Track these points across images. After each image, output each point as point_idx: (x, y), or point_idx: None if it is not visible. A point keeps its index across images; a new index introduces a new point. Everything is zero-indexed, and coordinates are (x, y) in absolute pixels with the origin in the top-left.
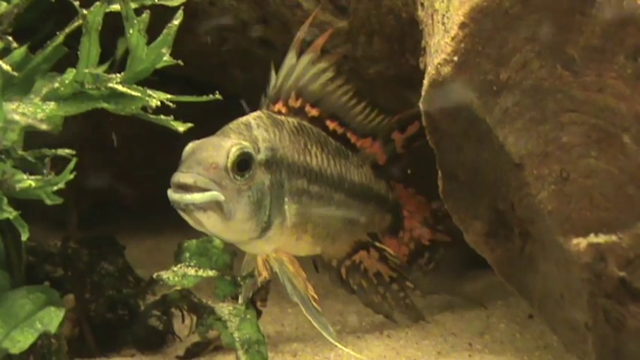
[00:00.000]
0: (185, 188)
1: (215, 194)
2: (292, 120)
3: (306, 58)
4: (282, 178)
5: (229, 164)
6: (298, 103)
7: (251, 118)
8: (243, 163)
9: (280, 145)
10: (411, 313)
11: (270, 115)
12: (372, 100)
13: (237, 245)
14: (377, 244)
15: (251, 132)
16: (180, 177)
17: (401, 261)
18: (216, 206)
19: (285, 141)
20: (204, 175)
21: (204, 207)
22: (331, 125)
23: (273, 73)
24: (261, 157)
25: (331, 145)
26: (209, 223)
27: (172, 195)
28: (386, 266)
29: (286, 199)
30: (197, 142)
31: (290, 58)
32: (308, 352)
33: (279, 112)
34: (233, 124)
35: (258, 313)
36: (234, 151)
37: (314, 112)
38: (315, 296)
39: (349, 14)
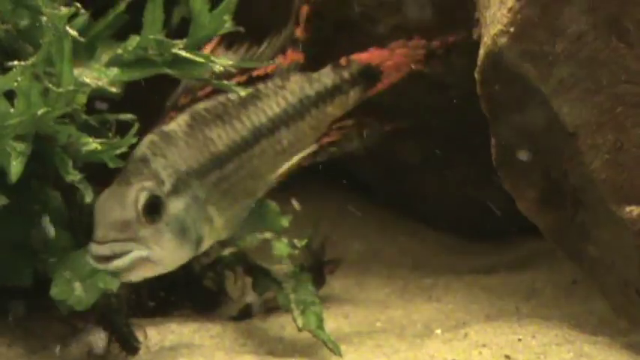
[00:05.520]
0: (106, 258)
1: (137, 254)
2: (182, 119)
3: None
4: (195, 189)
5: (140, 216)
6: (187, 99)
7: (144, 148)
8: (153, 207)
9: (181, 160)
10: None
11: (161, 134)
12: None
13: None
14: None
15: (150, 166)
16: (98, 249)
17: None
18: (142, 261)
19: (184, 151)
20: (120, 238)
21: (131, 267)
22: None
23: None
24: (167, 188)
25: (233, 104)
26: (144, 275)
27: (96, 266)
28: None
29: (208, 206)
30: (102, 196)
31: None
32: (359, 314)
33: (172, 117)
34: (130, 164)
35: (322, 282)
36: (141, 201)
37: (205, 91)
38: None
39: None
